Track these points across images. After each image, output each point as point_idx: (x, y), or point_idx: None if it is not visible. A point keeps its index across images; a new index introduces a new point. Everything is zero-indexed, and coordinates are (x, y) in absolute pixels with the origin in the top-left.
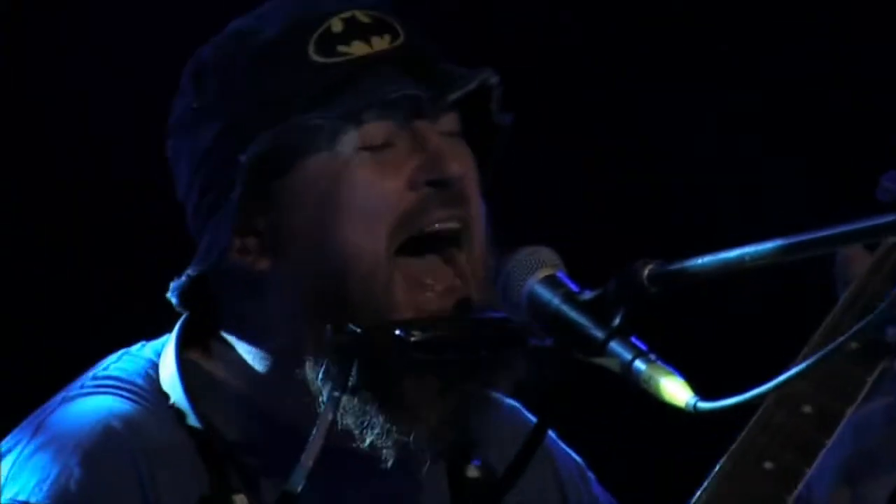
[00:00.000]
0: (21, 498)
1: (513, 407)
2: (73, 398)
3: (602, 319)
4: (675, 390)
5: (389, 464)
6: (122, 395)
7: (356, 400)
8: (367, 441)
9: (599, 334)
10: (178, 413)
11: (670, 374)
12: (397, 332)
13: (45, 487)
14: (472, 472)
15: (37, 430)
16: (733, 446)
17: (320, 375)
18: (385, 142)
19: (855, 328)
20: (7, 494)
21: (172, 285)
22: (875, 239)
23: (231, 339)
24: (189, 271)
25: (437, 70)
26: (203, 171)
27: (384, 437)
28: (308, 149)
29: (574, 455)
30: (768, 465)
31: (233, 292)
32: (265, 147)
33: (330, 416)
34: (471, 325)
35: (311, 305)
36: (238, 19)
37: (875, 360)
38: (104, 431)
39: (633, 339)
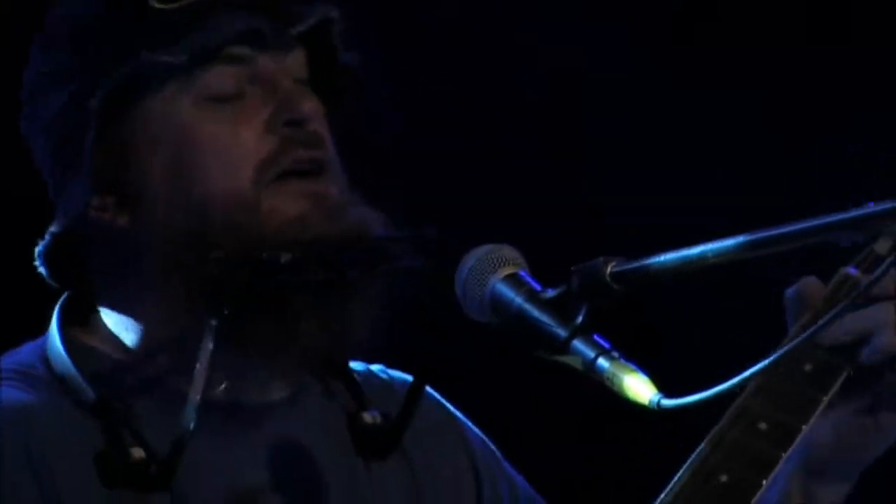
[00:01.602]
0: None
1: (403, 380)
2: None
3: (565, 317)
4: (639, 388)
5: (278, 400)
6: (12, 384)
7: (232, 328)
8: (251, 375)
9: (562, 333)
10: (68, 389)
11: (633, 371)
12: (264, 255)
13: None
14: (369, 418)
15: None
16: (687, 463)
17: (192, 316)
18: (237, 92)
19: (817, 326)
20: None
21: (37, 251)
22: (836, 236)
23: (105, 309)
24: (51, 229)
25: (278, 7)
26: (56, 131)
27: (264, 365)
28: (158, 92)
29: (481, 434)
30: (724, 478)
31: (99, 258)
32: (112, 87)
33: (210, 346)
34: (339, 245)
35: (175, 255)
36: None
37: (829, 379)
38: (1, 420)
39: (596, 337)
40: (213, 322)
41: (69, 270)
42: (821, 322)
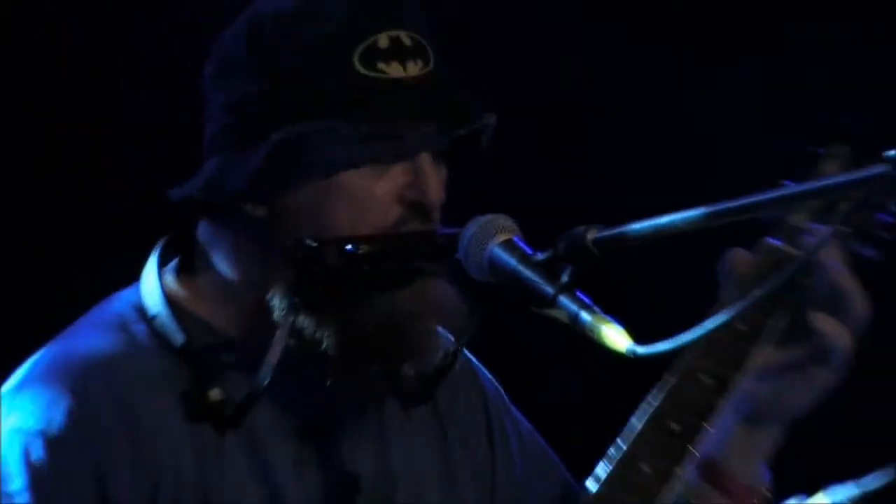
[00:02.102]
0: (16, 426)
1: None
2: (65, 337)
3: (552, 277)
4: (616, 337)
5: (348, 403)
6: (109, 331)
7: (311, 308)
8: (324, 345)
9: (550, 290)
10: (159, 332)
11: (611, 323)
12: (348, 247)
13: (38, 415)
14: (408, 370)
15: (34, 366)
16: (640, 411)
17: (282, 292)
18: (404, 165)
19: (765, 289)
20: (5, 425)
21: (174, 193)
22: (795, 206)
23: (206, 262)
24: (193, 192)
25: (453, 104)
26: (236, 115)
27: (332, 339)
28: (327, 149)
29: (491, 377)
30: (674, 426)
31: (220, 229)
32: (293, 134)
33: (291, 319)
34: (405, 240)
35: (289, 251)
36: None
37: (761, 336)
38: (92, 366)
39: (579, 294)
40: (295, 300)
41: (185, 228)
42: (774, 282)
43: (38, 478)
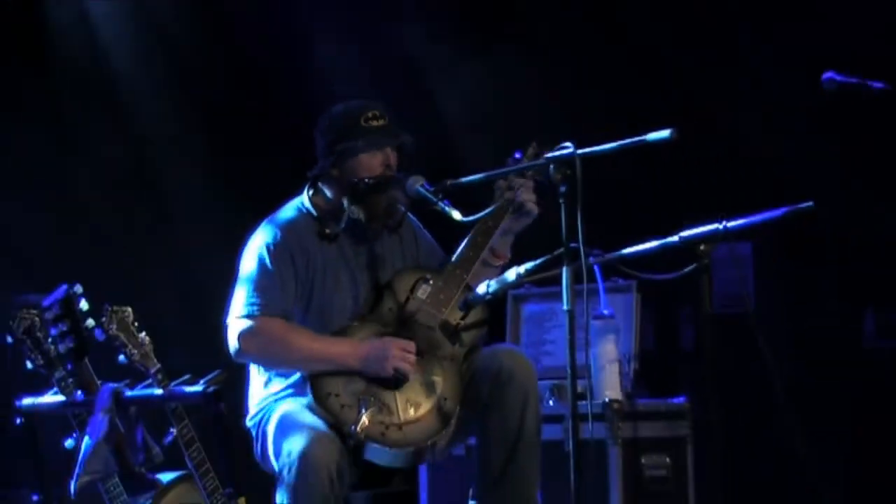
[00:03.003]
0: (262, 241)
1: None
2: (275, 213)
3: (435, 195)
4: (456, 214)
5: (369, 233)
6: (289, 209)
7: (356, 201)
8: (363, 221)
9: (434, 199)
10: (308, 213)
11: (455, 208)
12: (367, 180)
13: (268, 237)
14: (389, 222)
15: (267, 221)
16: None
17: (347, 198)
18: (379, 153)
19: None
20: (257, 241)
21: (311, 173)
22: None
23: (323, 190)
24: (316, 170)
25: (395, 132)
26: (325, 145)
27: (365, 218)
28: (357, 150)
29: (420, 224)
30: (471, 253)
31: (324, 178)
32: (344, 147)
33: (348, 205)
34: (386, 177)
35: (347, 181)
36: (337, 105)
37: (506, 211)
38: (285, 220)
39: (443, 200)
40: (353, 205)
41: (318, 177)
42: (506, 198)
43: (269, 254)
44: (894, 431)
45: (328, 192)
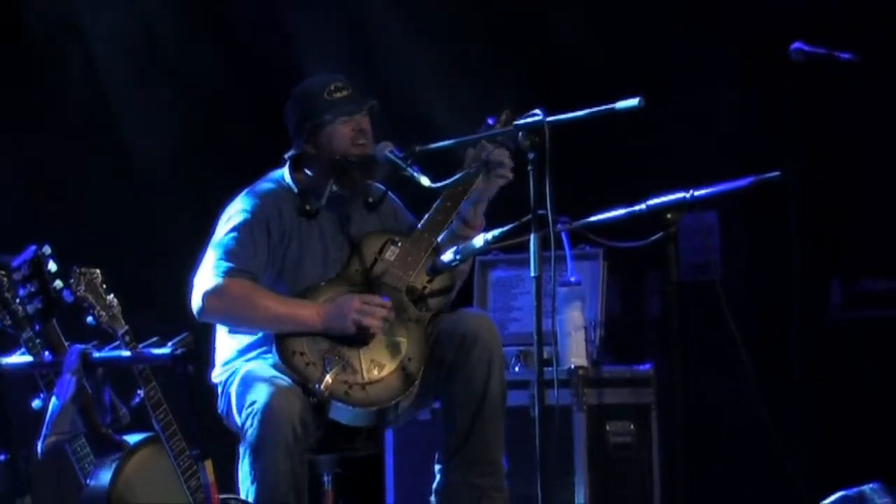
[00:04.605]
0: (241, 208)
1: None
2: (256, 184)
3: (405, 160)
4: (425, 180)
5: (350, 209)
6: (269, 181)
7: (337, 182)
8: (343, 195)
9: (403, 165)
10: (289, 188)
11: (424, 174)
12: (351, 158)
13: (247, 205)
14: (371, 200)
15: (246, 192)
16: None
17: (325, 172)
18: (349, 120)
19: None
20: (236, 207)
21: (287, 155)
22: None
23: (301, 166)
24: (292, 151)
25: (363, 100)
26: (295, 126)
27: (343, 191)
28: (326, 123)
29: (401, 203)
30: (440, 217)
31: (302, 155)
32: (313, 124)
33: (331, 181)
34: (367, 157)
35: (326, 159)
36: (303, 82)
37: (478, 175)
38: (264, 190)
39: (414, 166)
40: (332, 182)
41: (296, 158)
42: (479, 161)
43: (246, 222)
44: (857, 401)
45: (308, 171)
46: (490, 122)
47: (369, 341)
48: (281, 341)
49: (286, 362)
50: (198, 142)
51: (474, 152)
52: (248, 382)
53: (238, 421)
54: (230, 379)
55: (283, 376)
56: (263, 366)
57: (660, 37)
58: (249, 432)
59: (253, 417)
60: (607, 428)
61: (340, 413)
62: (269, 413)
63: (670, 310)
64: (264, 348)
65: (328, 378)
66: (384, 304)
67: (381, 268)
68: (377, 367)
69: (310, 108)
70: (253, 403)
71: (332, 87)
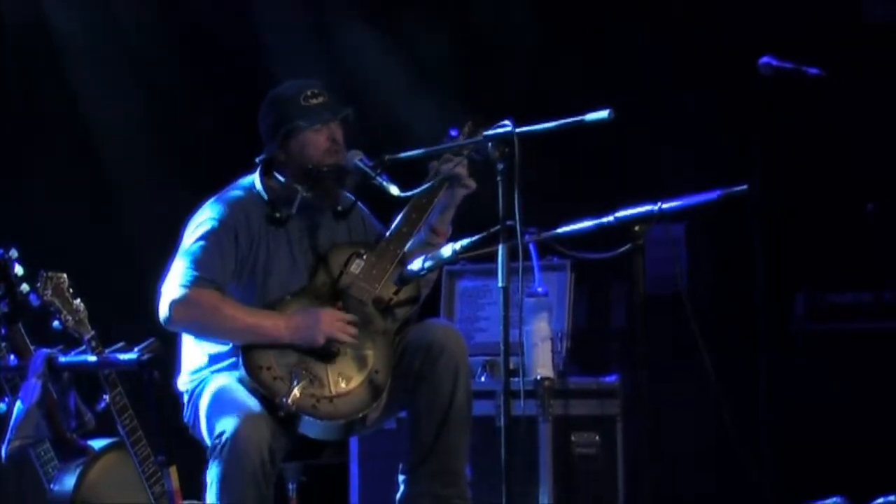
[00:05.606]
0: (209, 216)
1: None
2: (223, 192)
3: (374, 169)
4: (394, 189)
5: (322, 211)
6: (237, 191)
7: (309, 190)
8: (313, 203)
9: (373, 173)
10: (258, 195)
11: (393, 183)
12: (324, 168)
13: (216, 213)
14: (340, 209)
15: (215, 199)
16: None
17: (297, 179)
18: (323, 128)
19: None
20: (202, 216)
21: (259, 159)
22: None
23: (275, 174)
24: (263, 155)
25: (338, 108)
26: (268, 130)
27: (314, 200)
28: (299, 131)
29: (369, 213)
30: (405, 229)
31: (274, 160)
32: (287, 129)
33: (302, 189)
34: (339, 167)
35: (298, 167)
36: (279, 86)
37: (441, 188)
38: (232, 198)
39: (383, 175)
40: (304, 188)
41: (267, 162)
42: (442, 173)
43: (213, 231)
44: (820, 412)
45: (280, 176)
46: (453, 133)
47: (338, 354)
48: (248, 355)
49: (253, 377)
50: (166, 146)
51: (437, 164)
52: (217, 405)
53: (207, 441)
54: (198, 390)
55: (251, 397)
56: (232, 381)
57: (629, 49)
58: (218, 460)
59: (222, 448)
60: (572, 439)
61: (309, 427)
62: (236, 444)
63: (636, 321)
64: (233, 359)
65: (295, 392)
66: (351, 318)
67: (347, 281)
68: (345, 379)
69: (284, 113)
70: (221, 434)
71: (308, 93)
